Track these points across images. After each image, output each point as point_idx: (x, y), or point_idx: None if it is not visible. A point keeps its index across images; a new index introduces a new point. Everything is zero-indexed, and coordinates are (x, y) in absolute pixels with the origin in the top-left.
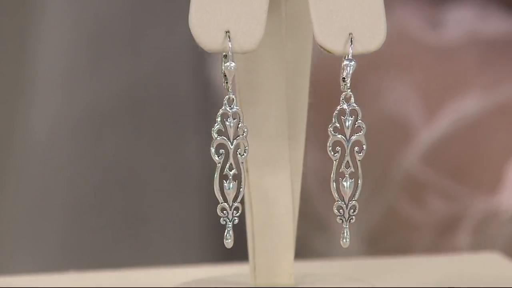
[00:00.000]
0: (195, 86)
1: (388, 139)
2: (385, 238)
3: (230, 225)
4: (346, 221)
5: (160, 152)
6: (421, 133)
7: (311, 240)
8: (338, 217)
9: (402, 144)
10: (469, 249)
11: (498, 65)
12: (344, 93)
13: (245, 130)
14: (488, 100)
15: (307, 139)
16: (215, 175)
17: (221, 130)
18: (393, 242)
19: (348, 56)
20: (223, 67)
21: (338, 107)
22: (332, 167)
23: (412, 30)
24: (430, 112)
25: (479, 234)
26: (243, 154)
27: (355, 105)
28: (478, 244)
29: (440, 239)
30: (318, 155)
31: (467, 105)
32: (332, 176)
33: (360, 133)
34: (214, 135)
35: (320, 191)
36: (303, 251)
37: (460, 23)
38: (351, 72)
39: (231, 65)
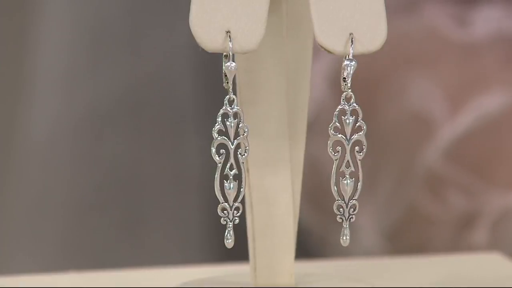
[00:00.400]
0: (195, 86)
1: (411, 135)
2: (406, 234)
3: (230, 225)
4: (346, 220)
5: (160, 152)
6: (444, 129)
7: (333, 235)
8: (338, 216)
9: (425, 140)
10: (487, 246)
11: None
12: (344, 93)
13: (246, 130)
14: (510, 97)
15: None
16: (216, 175)
17: (222, 130)
18: (413, 238)
19: (348, 56)
20: (223, 67)
21: (339, 107)
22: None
23: (439, 28)
24: (454, 109)
25: (497, 231)
26: (244, 154)
27: (355, 105)
28: (496, 241)
29: (459, 235)
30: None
31: (490, 102)
32: (332, 175)
33: (360, 133)
34: (215, 135)
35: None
36: (323, 246)
37: (488, 21)
38: (351, 72)
39: (232, 65)
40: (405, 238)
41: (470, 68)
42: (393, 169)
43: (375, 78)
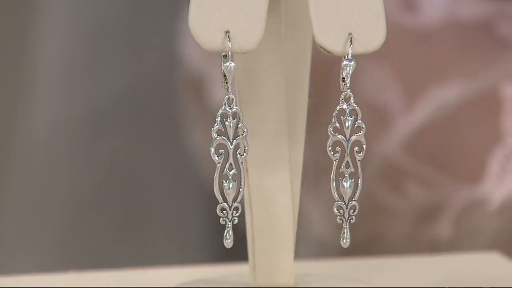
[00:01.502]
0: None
1: (366, 126)
2: (362, 225)
3: (230, 225)
4: (346, 221)
5: (159, 152)
6: (400, 120)
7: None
8: (338, 217)
9: (381, 131)
10: (451, 239)
11: (475, 51)
12: (344, 93)
13: (245, 130)
14: (467, 89)
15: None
16: (215, 175)
17: (221, 130)
18: (370, 229)
19: (347, 56)
20: (222, 67)
21: (338, 107)
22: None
23: (389, 14)
24: (409, 100)
25: (461, 224)
26: (243, 154)
27: (355, 105)
28: (461, 235)
29: (420, 227)
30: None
31: (446, 93)
32: (332, 176)
33: (360, 133)
34: (214, 135)
35: None
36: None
37: (435, 4)
38: (350, 72)
39: (231, 65)
40: (362, 228)
41: (425, 56)
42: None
43: (326, 68)
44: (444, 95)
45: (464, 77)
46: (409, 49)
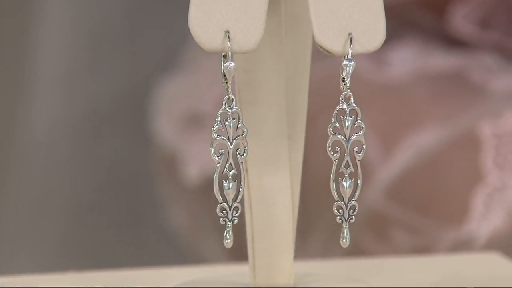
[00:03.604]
0: None
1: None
2: None
3: (229, 225)
4: (345, 221)
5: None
6: (380, 169)
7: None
8: (338, 217)
9: (363, 181)
10: None
11: (448, 98)
12: (343, 93)
13: (245, 130)
14: (444, 132)
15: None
16: (215, 175)
17: (221, 130)
18: None
19: (347, 56)
20: (222, 67)
21: (338, 107)
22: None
23: (360, 71)
24: (387, 148)
25: None
26: (243, 154)
27: (354, 105)
28: None
29: None
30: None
31: (423, 139)
32: (331, 176)
33: (359, 133)
34: (214, 135)
35: None
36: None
37: (405, 61)
38: (350, 72)
39: (231, 65)
40: None
41: (398, 107)
42: (331, 213)
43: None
44: (422, 140)
45: (440, 121)
46: (383, 101)
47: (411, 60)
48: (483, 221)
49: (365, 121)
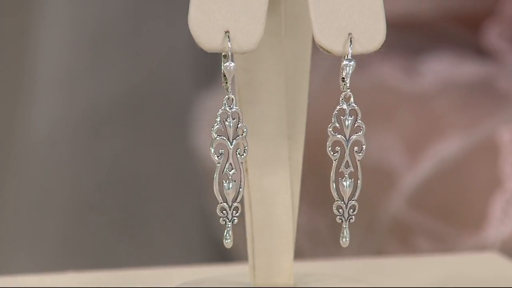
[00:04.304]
0: (194, 86)
1: (374, 186)
2: None
3: (229, 225)
4: (345, 220)
5: (160, 152)
6: (405, 177)
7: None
8: (338, 217)
9: (388, 189)
10: None
11: (473, 106)
12: (343, 93)
13: (245, 130)
14: (466, 140)
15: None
16: (215, 175)
17: (221, 130)
18: None
19: (347, 56)
20: (222, 67)
21: (338, 107)
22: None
23: (390, 81)
24: (412, 157)
25: None
26: (243, 154)
27: (354, 105)
28: None
29: None
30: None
31: (447, 147)
32: (331, 176)
33: (359, 133)
34: (214, 135)
35: None
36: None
37: (436, 72)
38: (350, 72)
39: (231, 65)
40: None
41: (425, 116)
42: (360, 220)
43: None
44: (445, 149)
45: (463, 129)
46: (411, 110)
47: (441, 71)
48: (501, 227)
49: (392, 130)
